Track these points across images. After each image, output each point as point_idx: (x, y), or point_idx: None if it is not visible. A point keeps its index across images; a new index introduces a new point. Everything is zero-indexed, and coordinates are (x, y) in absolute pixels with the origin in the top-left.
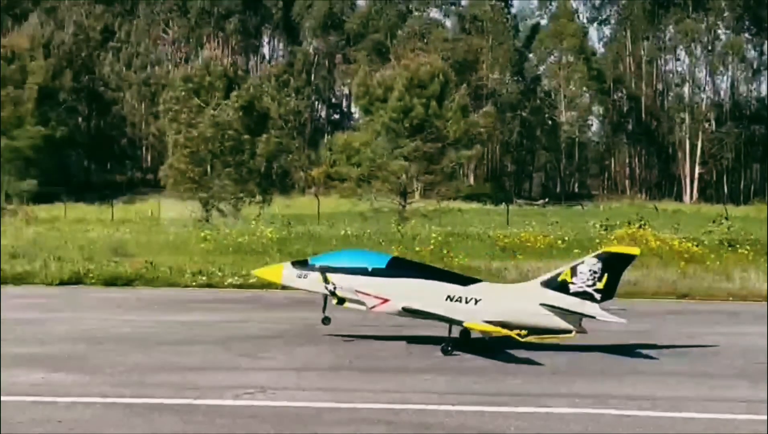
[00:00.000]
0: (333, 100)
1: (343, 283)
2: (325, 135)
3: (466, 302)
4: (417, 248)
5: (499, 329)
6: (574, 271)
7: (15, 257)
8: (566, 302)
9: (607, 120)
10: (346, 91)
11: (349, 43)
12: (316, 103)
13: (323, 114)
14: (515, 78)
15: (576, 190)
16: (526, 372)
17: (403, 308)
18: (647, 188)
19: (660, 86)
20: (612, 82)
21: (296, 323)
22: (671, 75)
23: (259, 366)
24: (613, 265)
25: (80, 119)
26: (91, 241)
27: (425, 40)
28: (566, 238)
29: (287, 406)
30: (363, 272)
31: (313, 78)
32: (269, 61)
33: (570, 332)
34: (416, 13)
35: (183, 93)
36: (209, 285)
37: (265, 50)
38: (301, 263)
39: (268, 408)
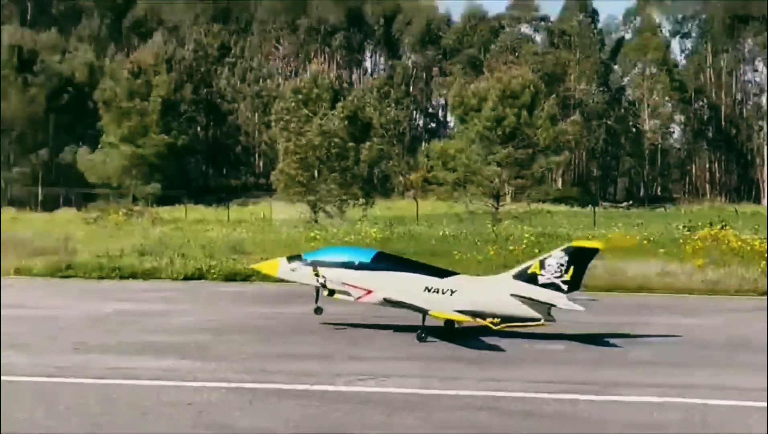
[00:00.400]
0: (430, 110)
1: (332, 276)
2: (423, 142)
3: (443, 293)
4: (511, 247)
5: (463, 317)
6: (542, 264)
7: (143, 254)
8: (535, 292)
9: (688, 128)
10: (442, 101)
11: (445, 57)
12: (415, 112)
13: (421, 123)
14: (601, 89)
15: (658, 193)
16: (617, 363)
17: (384, 299)
18: (726, 192)
19: (739, 96)
20: (693, 92)
21: (399, 318)
22: (749, 85)
23: (368, 355)
24: (579, 258)
25: (199, 129)
26: (211, 240)
27: (516, 54)
28: (651, 238)
29: (396, 392)
30: (350, 266)
31: (411, 90)
32: (371, 75)
33: (539, 320)
34: (508, 29)
35: (293, 104)
36: None
37: (368, 64)
38: (296, 258)
39: (378, 394)
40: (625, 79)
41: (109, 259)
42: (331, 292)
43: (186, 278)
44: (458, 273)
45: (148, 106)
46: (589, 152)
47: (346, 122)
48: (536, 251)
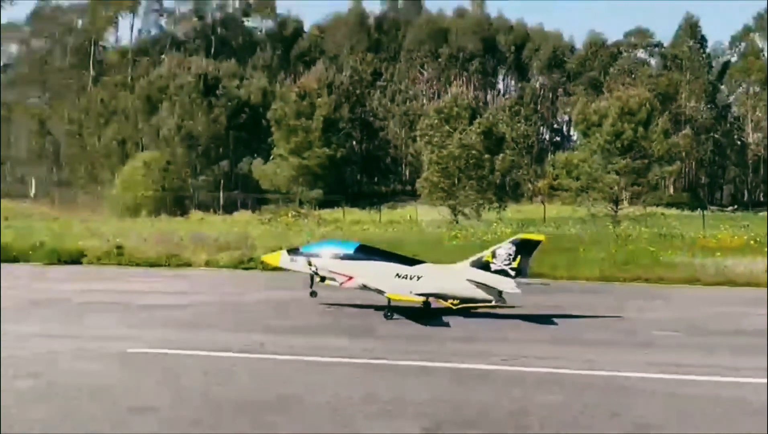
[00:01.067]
0: (555, 125)
1: (322, 265)
2: (549, 154)
3: (410, 278)
4: (630, 247)
5: (413, 299)
6: (494, 254)
7: None
8: (487, 278)
9: None
10: (566, 118)
11: (569, 79)
12: (542, 128)
13: (547, 137)
14: (709, 106)
15: (761, 199)
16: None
17: (361, 284)
18: None
19: None
20: None
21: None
22: None
23: (511, 338)
24: (524, 249)
25: (354, 143)
26: (368, 238)
27: (633, 76)
28: (757, 239)
29: (535, 371)
30: (336, 256)
31: (539, 108)
32: (504, 95)
33: (490, 301)
34: (625, 54)
35: (436, 121)
36: None
37: (501, 86)
38: (294, 251)
39: (519, 372)
40: (731, 98)
41: None
42: (323, 278)
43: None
44: (424, 262)
45: (312, 124)
46: (698, 162)
47: (482, 137)
48: (652, 249)
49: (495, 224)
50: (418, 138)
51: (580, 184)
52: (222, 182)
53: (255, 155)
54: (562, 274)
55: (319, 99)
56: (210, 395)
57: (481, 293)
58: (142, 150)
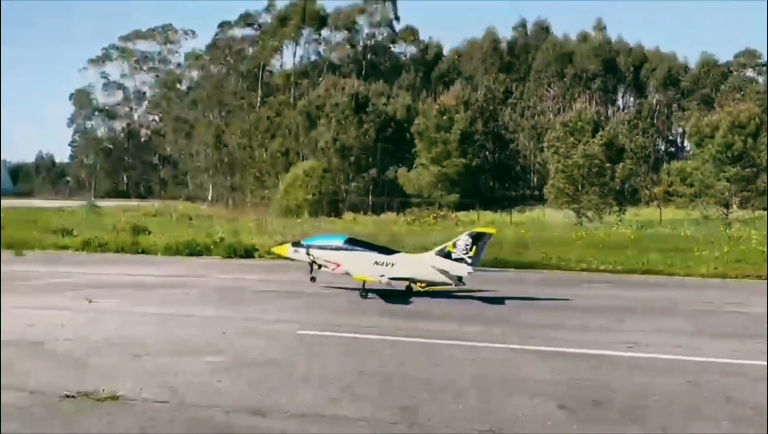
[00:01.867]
0: (670, 137)
1: (318, 255)
2: (664, 163)
3: (386, 265)
4: (742, 247)
5: (373, 279)
6: (455, 244)
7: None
8: (448, 265)
9: None
10: (680, 131)
11: (683, 96)
12: (658, 140)
13: (663, 148)
14: None
15: None
16: None
17: (345, 271)
18: None
19: None
20: None
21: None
22: None
23: (627, 328)
24: (479, 240)
25: (488, 153)
26: (501, 237)
27: (742, 93)
28: None
29: (655, 357)
30: (329, 247)
31: (655, 121)
32: (623, 110)
33: (451, 284)
34: (735, 73)
35: (561, 134)
36: (586, 270)
37: (620, 102)
38: (297, 244)
39: (640, 359)
40: None
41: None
42: (320, 266)
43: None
44: (399, 251)
45: (450, 136)
46: None
47: (604, 148)
48: (762, 249)
49: (615, 226)
50: (545, 149)
51: (693, 190)
52: (371, 187)
53: (400, 164)
54: (678, 271)
55: (457, 115)
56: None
57: (442, 278)
58: (303, 160)
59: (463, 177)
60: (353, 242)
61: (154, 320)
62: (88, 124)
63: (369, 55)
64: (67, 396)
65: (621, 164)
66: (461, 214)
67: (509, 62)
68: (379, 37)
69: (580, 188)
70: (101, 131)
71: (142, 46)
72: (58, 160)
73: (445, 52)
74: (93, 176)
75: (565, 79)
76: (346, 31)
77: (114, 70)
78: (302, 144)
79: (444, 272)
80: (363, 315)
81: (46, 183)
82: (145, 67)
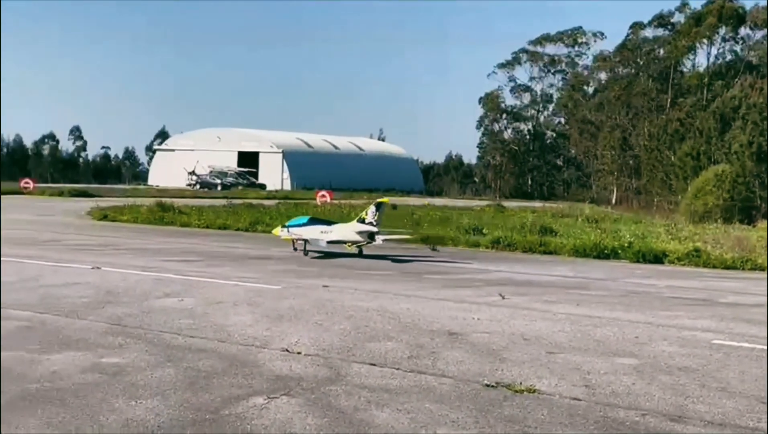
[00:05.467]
0: None
1: (293, 232)
2: None
3: (327, 233)
4: None
5: (295, 239)
6: (367, 213)
7: None
8: (363, 228)
9: None
10: None
11: None
12: None
13: None
14: None
15: None
16: None
17: (305, 239)
18: None
19: None
20: None
21: None
22: None
23: None
24: (379, 208)
25: None
26: None
27: None
28: None
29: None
30: (298, 225)
31: None
32: None
33: (366, 243)
34: None
35: None
36: None
37: None
38: (284, 226)
39: None
40: None
41: None
42: (300, 241)
43: None
44: (338, 222)
45: None
46: None
47: None
48: None
49: None
50: None
51: None
52: None
53: None
54: None
55: None
56: None
57: (360, 238)
58: (714, 163)
59: None
60: (313, 221)
61: (564, 318)
62: (495, 126)
63: None
64: (488, 385)
65: None
66: None
67: None
68: None
69: None
70: (507, 133)
71: (551, 49)
72: (466, 161)
73: None
74: (498, 177)
75: None
76: (767, 29)
77: (522, 73)
78: (714, 147)
79: (360, 233)
80: None
81: (454, 183)
82: (552, 70)
